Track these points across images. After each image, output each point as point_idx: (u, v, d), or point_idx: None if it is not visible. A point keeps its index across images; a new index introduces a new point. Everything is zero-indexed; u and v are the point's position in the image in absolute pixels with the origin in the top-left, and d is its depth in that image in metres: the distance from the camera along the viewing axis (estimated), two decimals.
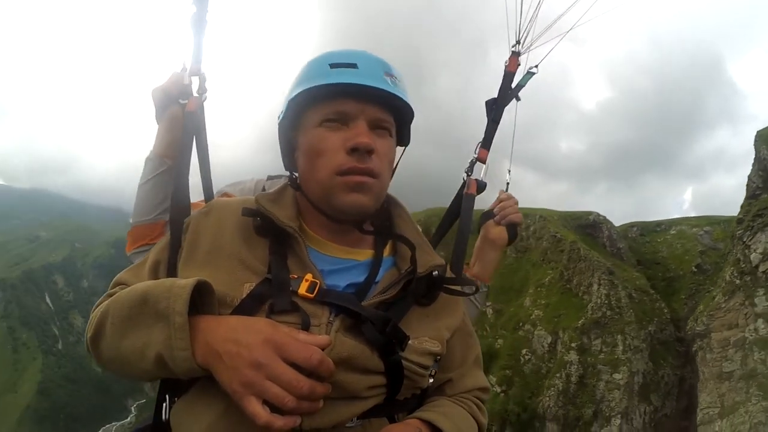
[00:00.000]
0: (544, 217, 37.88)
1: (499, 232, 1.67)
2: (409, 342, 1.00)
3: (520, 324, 32.99)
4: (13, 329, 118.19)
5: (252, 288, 0.96)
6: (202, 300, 0.92)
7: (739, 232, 23.66)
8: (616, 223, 40.08)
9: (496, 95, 1.79)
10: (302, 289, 0.96)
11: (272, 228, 1.03)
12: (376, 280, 1.07)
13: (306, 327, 0.92)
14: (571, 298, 31.80)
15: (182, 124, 1.33)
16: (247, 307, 0.94)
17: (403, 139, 1.17)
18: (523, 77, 1.80)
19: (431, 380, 1.10)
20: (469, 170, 1.72)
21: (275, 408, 0.81)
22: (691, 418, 24.91)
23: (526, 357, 31.32)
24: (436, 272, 1.10)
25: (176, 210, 1.17)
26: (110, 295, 1.04)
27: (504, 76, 1.78)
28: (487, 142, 1.75)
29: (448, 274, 1.18)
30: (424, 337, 1.05)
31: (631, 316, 28.97)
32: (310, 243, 1.07)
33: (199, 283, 0.90)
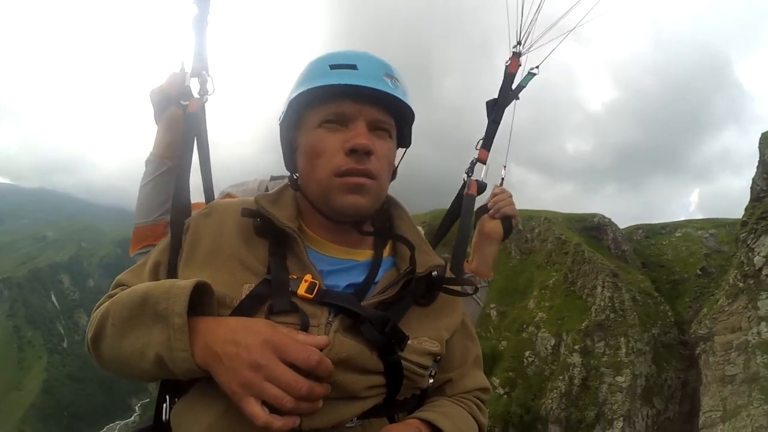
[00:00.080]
0: (548, 219, 37.72)
1: (494, 226, 1.68)
2: (409, 342, 1.00)
3: (524, 326, 32.85)
4: (19, 328, 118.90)
5: (251, 289, 0.96)
6: (201, 301, 0.92)
7: (743, 235, 23.45)
8: (624, 225, 39.98)
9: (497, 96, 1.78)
10: (301, 290, 0.96)
11: (272, 229, 1.03)
12: (376, 280, 1.06)
13: (305, 327, 0.92)
14: (575, 301, 31.64)
15: (181, 125, 1.33)
16: (247, 307, 0.94)
17: (404, 140, 1.17)
18: (524, 78, 1.80)
19: (431, 380, 1.10)
20: (470, 171, 1.72)
21: (274, 409, 0.82)
22: (693, 422, 24.73)
23: (530, 359, 31.19)
24: (436, 272, 1.09)
25: (177, 211, 1.18)
26: (111, 296, 1.05)
27: (505, 76, 1.78)
28: (487, 143, 1.75)
29: (448, 274, 1.17)
30: (424, 337, 1.05)
31: (635, 319, 28.80)
32: (310, 243, 1.07)
33: (199, 284, 0.90)
